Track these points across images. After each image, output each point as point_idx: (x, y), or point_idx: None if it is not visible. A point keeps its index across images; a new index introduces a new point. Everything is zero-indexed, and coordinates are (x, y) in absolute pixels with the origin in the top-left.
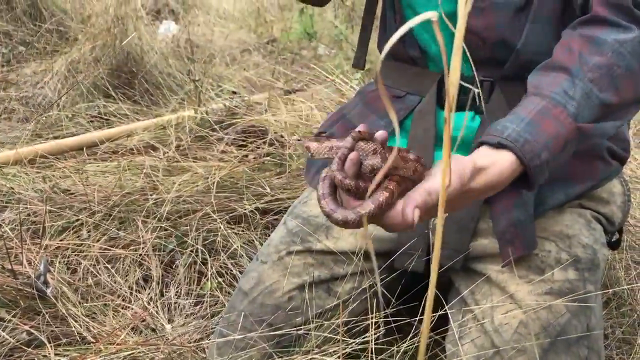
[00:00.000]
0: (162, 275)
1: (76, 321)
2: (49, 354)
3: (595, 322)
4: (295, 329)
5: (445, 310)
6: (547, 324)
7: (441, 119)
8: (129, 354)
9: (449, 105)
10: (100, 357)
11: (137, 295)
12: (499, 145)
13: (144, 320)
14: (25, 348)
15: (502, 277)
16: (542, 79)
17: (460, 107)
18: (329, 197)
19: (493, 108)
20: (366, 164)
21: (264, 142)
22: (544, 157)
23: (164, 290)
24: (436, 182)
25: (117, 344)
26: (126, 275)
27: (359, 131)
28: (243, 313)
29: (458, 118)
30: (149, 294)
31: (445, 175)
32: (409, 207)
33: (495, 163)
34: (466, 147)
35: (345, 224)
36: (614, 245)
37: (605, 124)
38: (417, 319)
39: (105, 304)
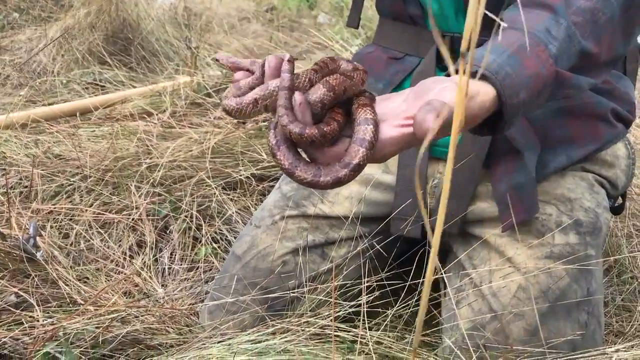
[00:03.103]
0: (156, 241)
1: (67, 285)
2: (37, 316)
3: (596, 287)
4: (288, 292)
5: (442, 274)
6: (546, 288)
7: None
8: (118, 316)
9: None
10: (88, 318)
11: (130, 261)
12: (481, 77)
13: (136, 285)
14: (13, 310)
15: (500, 241)
16: (525, 14)
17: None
18: (284, 147)
19: None
20: (314, 101)
21: None
22: (522, 96)
23: (157, 256)
24: (444, 95)
25: (107, 306)
26: (119, 241)
27: (289, 60)
28: (236, 277)
29: None
30: (142, 259)
31: (460, 104)
32: (427, 115)
33: (479, 93)
34: None
35: (315, 184)
36: (617, 210)
37: (582, 77)
38: (411, 282)
39: (97, 269)
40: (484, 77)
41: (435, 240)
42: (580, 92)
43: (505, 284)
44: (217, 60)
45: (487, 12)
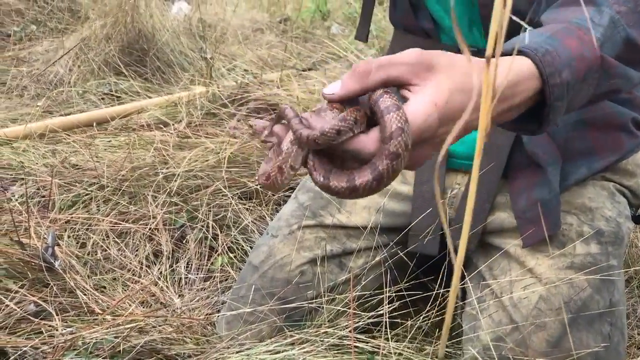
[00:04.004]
0: (173, 250)
1: (85, 294)
2: (56, 325)
3: (619, 298)
4: (306, 302)
5: (463, 284)
6: (568, 299)
7: None
8: (136, 326)
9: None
10: (106, 328)
11: (147, 270)
12: (517, 53)
13: (153, 295)
14: (33, 319)
15: (521, 251)
16: (561, 12)
17: None
18: (316, 160)
19: None
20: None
21: None
22: (565, 76)
23: (174, 265)
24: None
25: (125, 316)
26: (136, 250)
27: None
28: (253, 286)
29: None
30: (159, 268)
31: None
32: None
33: (512, 68)
34: None
35: (354, 190)
36: (638, 220)
37: (629, 69)
38: (431, 293)
39: (114, 278)
40: (521, 52)
41: (460, 252)
42: (630, 85)
43: (526, 295)
44: (251, 126)
45: (512, 16)
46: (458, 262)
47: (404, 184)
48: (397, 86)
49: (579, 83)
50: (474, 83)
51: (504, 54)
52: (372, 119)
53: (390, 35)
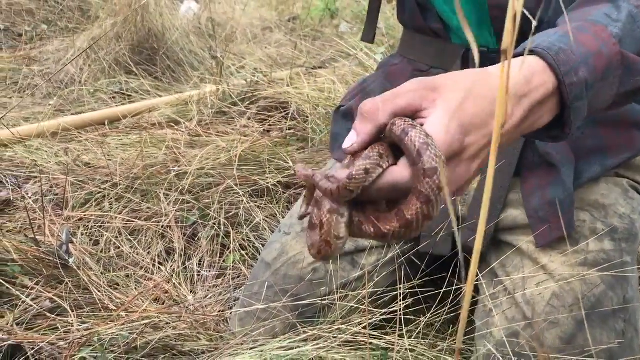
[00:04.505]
0: (185, 248)
1: (99, 291)
2: (72, 321)
3: (632, 295)
4: (319, 299)
5: (476, 281)
6: (581, 296)
7: None
8: (150, 322)
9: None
10: (121, 324)
11: (159, 267)
12: (529, 53)
13: (166, 292)
14: (49, 315)
15: (533, 248)
16: (576, 13)
17: None
18: (360, 215)
19: None
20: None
21: (286, 117)
22: (583, 74)
23: (186, 263)
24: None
25: (139, 312)
26: (149, 248)
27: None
28: (266, 284)
29: None
30: (171, 266)
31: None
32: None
33: (522, 68)
34: None
35: (408, 225)
36: None
37: None
38: (444, 290)
39: (127, 275)
40: (532, 53)
41: (476, 251)
42: None
43: (539, 292)
44: (295, 171)
45: (524, 11)
46: (475, 252)
47: None
48: (409, 116)
49: (598, 82)
50: (491, 84)
51: (515, 56)
52: (398, 151)
53: (400, 33)
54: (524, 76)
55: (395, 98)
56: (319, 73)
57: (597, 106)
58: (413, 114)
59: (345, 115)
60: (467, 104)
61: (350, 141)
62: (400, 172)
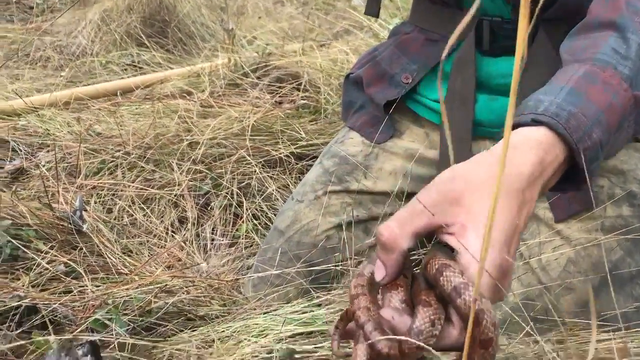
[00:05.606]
0: (198, 217)
1: (112, 257)
2: (87, 284)
3: None
4: (333, 265)
5: None
6: (597, 262)
7: (482, 64)
8: (164, 285)
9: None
10: (135, 287)
11: (173, 236)
12: (533, 123)
13: (179, 260)
14: (64, 277)
15: (550, 214)
16: (580, 42)
17: (503, 52)
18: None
19: (536, 50)
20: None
21: (298, 89)
22: (597, 136)
23: (199, 231)
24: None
25: (154, 276)
26: (162, 216)
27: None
28: (280, 250)
29: (504, 64)
30: (184, 234)
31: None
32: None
33: (533, 147)
34: (508, 95)
35: None
36: None
37: None
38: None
39: (141, 243)
40: (539, 123)
41: (490, 211)
42: None
43: (555, 257)
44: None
45: None
46: (489, 221)
47: (430, 148)
48: (431, 234)
49: (613, 135)
50: (509, 174)
51: (518, 125)
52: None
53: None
54: (538, 158)
55: (413, 218)
56: (332, 44)
57: (612, 153)
58: (435, 231)
59: (355, 83)
60: (498, 217)
61: (380, 275)
62: (456, 336)
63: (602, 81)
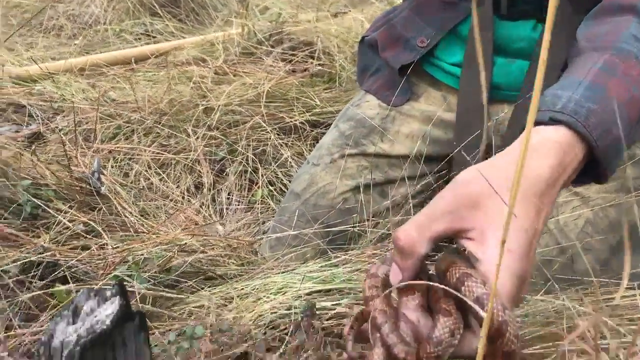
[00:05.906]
0: (214, 182)
1: (131, 217)
2: (106, 242)
3: None
4: (350, 226)
5: None
6: (616, 222)
7: (499, 28)
8: (183, 243)
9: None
10: (156, 245)
11: (189, 200)
12: (551, 122)
13: (196, 223)
14: (85, 235)
15: None
16: (599, 28)
17: (521, 16)
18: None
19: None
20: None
21: (313, 57)
22: (617, 132)
23: (215, 196)
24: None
25: (172, 236)
26: (178, 181)
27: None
28: (297, 211)
29: (521, 27)
30: (200, 199)
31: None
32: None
33: (552, 148)
34: (526, 59)
35: None
36: None
37: None
38: None
39: (157, 207)
40: (558, 122)
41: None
42: None
43: (573, 218)
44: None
45: None
46: (516, 178)
47: (447, 111)
48: (449, 237)
49: (634, 127)
50: (527, 176)
51: (535, 123)
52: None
53: None
54: (557, 160)
55: (431, 223)
56: (347, 12)
57: (632, 142)
58: (453, 235)
59: (370, 46)
60: (516, 223)
61: (397, 279)
62: (476, 345)
63: (622, 73)
